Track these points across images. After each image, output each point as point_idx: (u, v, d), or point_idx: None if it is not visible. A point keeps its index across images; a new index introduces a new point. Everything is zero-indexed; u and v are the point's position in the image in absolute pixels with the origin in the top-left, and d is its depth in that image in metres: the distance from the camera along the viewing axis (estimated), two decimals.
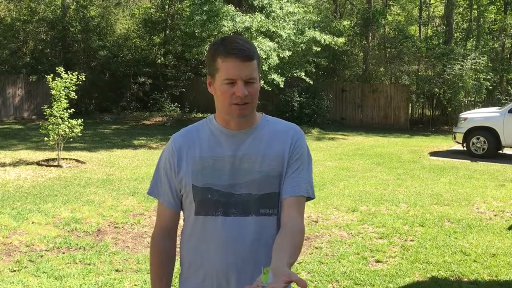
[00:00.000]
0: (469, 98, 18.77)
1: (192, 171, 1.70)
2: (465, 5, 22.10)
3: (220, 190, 1.68)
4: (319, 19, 16.68)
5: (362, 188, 8.35)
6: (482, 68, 17.89)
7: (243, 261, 1.67)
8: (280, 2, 14.98)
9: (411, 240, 5.71)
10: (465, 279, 4.61)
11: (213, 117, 1.77)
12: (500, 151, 12.09)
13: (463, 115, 12.83)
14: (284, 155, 1.70)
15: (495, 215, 6.79)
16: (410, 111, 19.88)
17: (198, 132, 1.76)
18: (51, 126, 9.42)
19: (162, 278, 1.81)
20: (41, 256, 5.03)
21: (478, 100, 19.14)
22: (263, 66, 13.76)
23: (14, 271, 4.65)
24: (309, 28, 15.36)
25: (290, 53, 14.74)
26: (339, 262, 5.01)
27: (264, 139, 1.71)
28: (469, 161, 11.33)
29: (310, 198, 1.73)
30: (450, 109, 18.82)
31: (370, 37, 21.32)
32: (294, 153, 1.70)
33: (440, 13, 23.97)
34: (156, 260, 1.81)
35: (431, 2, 24.22)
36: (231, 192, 1.68)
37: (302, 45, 15.23)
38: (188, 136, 1.76)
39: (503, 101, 17.83)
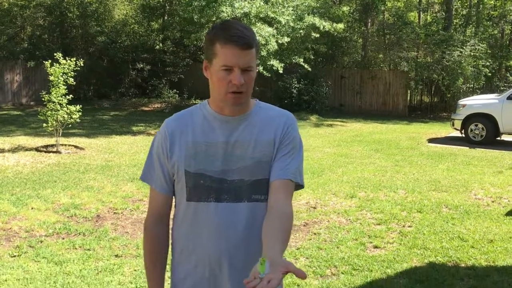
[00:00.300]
0: (468, 85, 18.75)
1: (185, 156, 1.69)
2: None
3: (213, 176, 1.67)
4: (318, 5, 16.55)
5: (360, 174, 8.38)
6: (481, 54, 17.84)
7: (235, 247, 1.66)
8: None
9: (409, 226, 5.75)
10: (463, 265, 4.65)
11: (206, 102, 1.75)
12: (498, 138, 12.11)
13: (462, 101, 12.82)
14: (275, 140, 1.69)
15: (492, 201, 6.82)
16: (408, 98, 19.86)
17: (191, 117, 1.75)
18: (49, 112, 9.40)
19: (156, 264, 1.80)
20: (41, 242, 5.06)
21: (477, 86, 19.12)
22: (262, 52, 13.70)
23: (14, 256, 4.68)
24: (308, 14, 15.27)
25: (289, 39, 14.66)
26: (338, 247, 5.04)
27: (257, 126, 1.70)
28: (467, 147, 11.35)
29: (299, 185, 1.72)
30: (448, 96, 18.81)
31: (369, 23, 21.22)
32: (285, 139, 1.70)
33: None
34: (150, 246, 1.80)
35: None
36: (223, 178, 1.67)
37: (301, 31, 15.15)
38: (181, 120, 1.75)
39: (502, 88, 17.81)
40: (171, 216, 1.84)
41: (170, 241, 1.81)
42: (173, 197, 1.79)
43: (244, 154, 1.67)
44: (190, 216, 1.71)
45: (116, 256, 4.74)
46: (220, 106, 1.69)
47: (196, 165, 1.68)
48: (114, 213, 6.04)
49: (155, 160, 1.75)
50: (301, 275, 1.25)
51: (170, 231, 1.82)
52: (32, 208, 6.08)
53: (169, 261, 1.87)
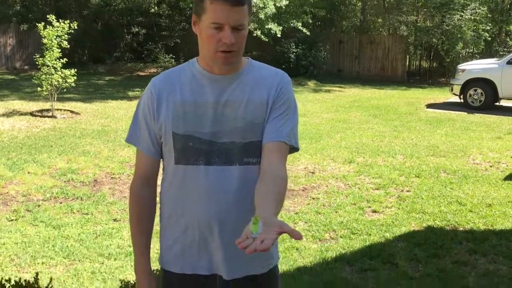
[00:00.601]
0: (467, 50, 18.56)
1: (172, 117, 1.59)
2: None
3: (202, 138, 1.58)
4: None
5: (358, 140, 8.34)
6: (481, 18, 17.59)
7: (226, 211, 1.59)
8: None
9: (407, 191, 5.75)
10: (461, 229, 4.66)
11: (195, 60, 1.65)
12: (497, 103, 12.05)
13: (461, 66, 12.70)
14: (269, 100, 1.60)
15: (491, 166, 6.82)
16: (407, 63, 19.68)
17: (179, 76, 1.64)
18: (44, 76, 9.26)
19: (142, 232, 1.71)
20: (38, 206, 5.04)
21: (476, 51, 18.94)
22: (260, 15, 13.46)
23: (12, 220, 4.67)
24: None
25: (287, 2, 14.39)
26: (336, 212, 5.04)
27: (249, 85, 1.61)
28: (466, 113, 11.30)
29: (294, 149, 1.64)
30: (447, 61, 18.63)
31: None
32: (279, 99, 1.60)
33: None
34: (136, 209, 1.71)
35: None
36: (213, 140, 1.58)
37: None
38: (168, 80, 1.65)
39: (501, 53, 17.64)
40: (159, 182, 1.76)
41: (158, 206, 1.74)
42: (161, 159, 1.71)
43: (235, 115, 1.58)
44: (179, 180, 1.63)
45: (115, 220, 4.73)
46: (209, 65, 1.60)
47: (184, 126, 1.59)
48: (112, 178, 6.01)
49: (141, 121, 1.66)
50: (297, 236, 1.18)
51: (158, 196, 1.74)
52: (28, 173, 6.04)
53: (156, 232, 1.80)
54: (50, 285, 2.33)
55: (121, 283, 3.56)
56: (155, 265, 1.84)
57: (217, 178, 1.59)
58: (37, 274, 2.37)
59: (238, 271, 1.64)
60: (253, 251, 1.14)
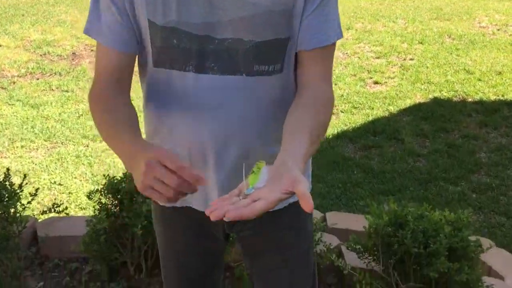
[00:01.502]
0: None
1: (147, 2, 1.03)
2: None
3: (191, 32, 1.03)
4: None
5: (356, 3, 7.75)
6: None
7: (225, 140, 1.10)
8: None
9: (411, 59, 5.38)
10: (470, 99, 4.38)
11: None
12: None
13: None
14: None
15: (498, 30, 6.39)
16: None
17: None
18: None
19: (125, 130, 1.02)
20: (13, 83, 4.65)
21: None
22: None
23: None
24: None
25: None
26: (335, 84, 4.71)
27: None
28: None
29: None
30: None
31: None
32: None
33: None
34: (112, 117, 1.06)
35: None
36: (209, 35, 1.03)
37: None
38: None
39: None
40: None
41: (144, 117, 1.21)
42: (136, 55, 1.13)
43: None
44: (161, 87, 1.11)
45: None
46: None
47: (165, 15, 1.03)
48: (91, 50, 5.54)
49: (103, 2, 1.06)
50: (307, 205, 0.74)
51: (143, 102, 1.19)
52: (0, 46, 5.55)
53: None
54: (24, 182, 2.05)
55: (109, 167, 3.32)
56: None
57: (213, 93, 1.07)
58: (8, 169, 2.07)
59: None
60: (221, 216, 0.72)
